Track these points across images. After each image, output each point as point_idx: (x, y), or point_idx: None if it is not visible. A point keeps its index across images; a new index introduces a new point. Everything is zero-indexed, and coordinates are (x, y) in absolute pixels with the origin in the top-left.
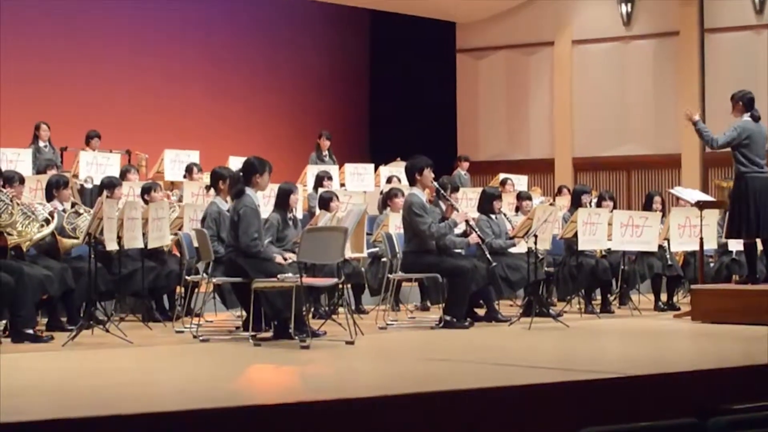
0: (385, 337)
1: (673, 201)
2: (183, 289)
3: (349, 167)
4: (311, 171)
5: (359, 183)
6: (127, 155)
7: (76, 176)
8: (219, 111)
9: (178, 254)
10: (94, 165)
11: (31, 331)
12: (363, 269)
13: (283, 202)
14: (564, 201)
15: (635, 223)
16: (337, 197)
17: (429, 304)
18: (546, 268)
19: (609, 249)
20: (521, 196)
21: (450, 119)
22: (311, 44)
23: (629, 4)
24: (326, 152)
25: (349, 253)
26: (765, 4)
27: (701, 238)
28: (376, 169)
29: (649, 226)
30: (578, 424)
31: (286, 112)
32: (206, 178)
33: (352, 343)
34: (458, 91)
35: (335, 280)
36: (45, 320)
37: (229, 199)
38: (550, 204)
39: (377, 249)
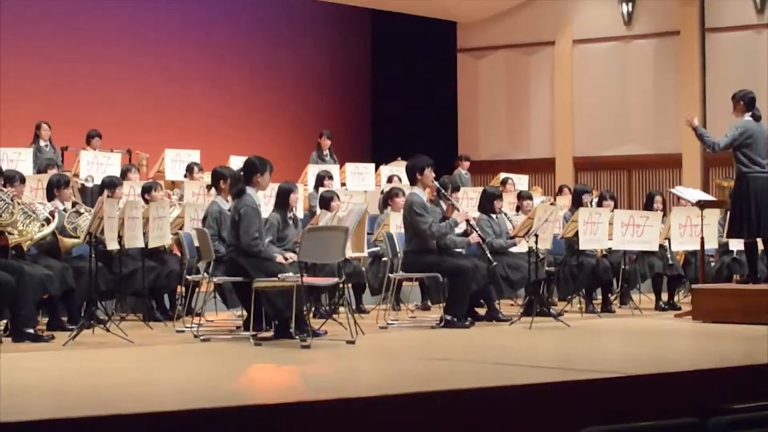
0: (385, 337)
1: (674, 200)
2: (184, 289)
3: (349, 167)
4: (312, 170)
5: (360, 182)
6: (128, 155)
7: (76, 176)
8: (220, 110)
9: (179, 254)
10: (95, 164)
11: (31, 331)
12: (364, 269)
13: (283, 201)
14: (565, 200)
15: (636, 223)
16: (338, 197)
17: (430, 303)
18: (547, 268)
19: (610, 248)
20: (522, 196)
21: (451, 119)
22: (312, 44)
23: (630, 4)
24: (327, 152)
25: (349, 253)
26: (766, 3)
27: (702, 238)
28: (376, 168)
29: (650, 226)
30: (579, 423)
31: (286, 111)
32: (207, 178)
33: (352, 342)
34: (459, 90)
35: (336, 279)
36: (46, 320)
37: (230, 198)
38: (551, 203)
39: (378, 248)
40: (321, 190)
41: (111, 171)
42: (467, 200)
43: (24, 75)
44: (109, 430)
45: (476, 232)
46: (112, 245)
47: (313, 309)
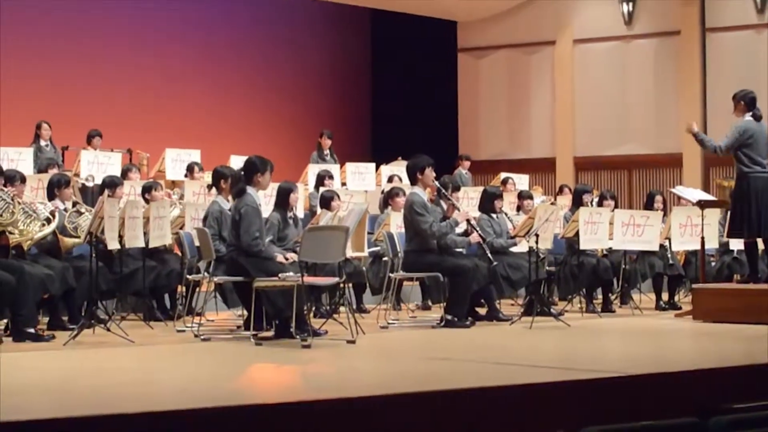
0: (386, 337)
1: (674, 200)
2: (184, 288)
3: (350, 166)
4: (312, 170)
5: (360, 182)
6: (129, 154)
7: (77, 175)
8: (220, 110)
9: (180, 253)
10: (96, 164)
11: (32, 330)
12: (364, 268)
13: (283, 201)
14: (565, 200)
15: (636, 223)
16: (339, 196)
17: (430, 303)
18: (547, 268)
19: (610, 248)
20: (522, 196)
21: (451, 118)
22: (312, 43)
23: (630, 4)
24: (327, 151)
25: (350, 253)
26: (766, 3)
27: (702, 238)
28: (377, 168)
29: (650, 226)
30: (579, 423)
31: (287, 111)
32: (207, 177)
33: (353, 342)
34: (459, 90)
35: (336, 279)
36: (46, 319)
37: (230, 198)
38: (552, 203)
39: (378, 248)
40: (321, 189)
41: (111, 171)
42: (468, 200)
43: (24, 75)
44: (110, 429)
45: (477, 231)
46: (113, 245)
47: (313, 309)
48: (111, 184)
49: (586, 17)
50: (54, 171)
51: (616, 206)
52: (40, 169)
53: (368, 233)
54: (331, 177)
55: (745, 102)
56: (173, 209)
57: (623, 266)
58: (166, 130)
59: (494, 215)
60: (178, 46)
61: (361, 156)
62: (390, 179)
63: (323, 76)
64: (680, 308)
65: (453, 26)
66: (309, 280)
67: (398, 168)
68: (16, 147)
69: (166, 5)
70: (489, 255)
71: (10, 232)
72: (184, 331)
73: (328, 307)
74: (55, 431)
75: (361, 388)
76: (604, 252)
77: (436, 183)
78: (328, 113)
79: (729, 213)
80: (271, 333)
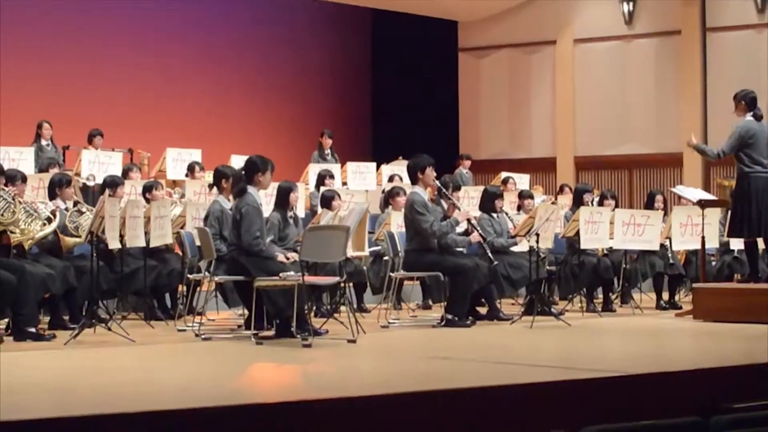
0: (386, 336)
1: (674, 200)
2: (185, 288)
3: (351, 166)
4: (313, 169)
5: (361, 182)
6: (129, 154)
7: (78, 175)
8: (221, 110)
9: (180, 253)
10: (97, 163)
11: (33, 330)
12: (365, 268)
13: (283, 200)
14: (566, 200)
15: (637, 222)
16: (339, 196)
17: (431, 302)
18: (548, 267)
19: (611, 248)
20: (523, 195)
21: (452, 118)
22: (313, 43)
23: (631, 3)
24: (328, 151)
25: (350, 252)
26: (767, 3)
27: (703, 237)
28: (378, 167)
29: (650, 225)
30: (580, 422)
31: (288, 110)
32: (208, 177)
33: (353, 341)
34: (460, 89)
35: (337, 278)
36: (47, 318)
37: (231, 197)
38: (552, 203)
39: (379, 247)
40: (322, 189)
41: (112, 170)
42: (468, 199)
43: (25, 74)
44: (111, 428)
45: (477, 231)
46: (114, 244)
47: (314, 308)
48: (112, 184)
49: (587, 17)
50: (55, 170)
51: (616, 206)
52: (41, 168)
53: (369, 233)
54: (331, 176)
55: (746, 102)
56: (174, 208)
57: (624, 266)
58: (167, 129)
59: (495, 215)
60: (178, 45)
61: (362, 155)
62: (391, 179)
63: (324, 76)
64: (681, 308)
65: (454, 26)
66: (310, 279)
67: (399, 167)
68: (17, 146)
69: (166, 5)
70: (489, 254)
71: (12, 232)
72: (184, 330)
73: (328, 307)
74: (56, 430)
75: (361, 387)
76: (605, 251)
77: (437, 182)
78: (329, 113)
79: (729, 213)
80: (271, 332)
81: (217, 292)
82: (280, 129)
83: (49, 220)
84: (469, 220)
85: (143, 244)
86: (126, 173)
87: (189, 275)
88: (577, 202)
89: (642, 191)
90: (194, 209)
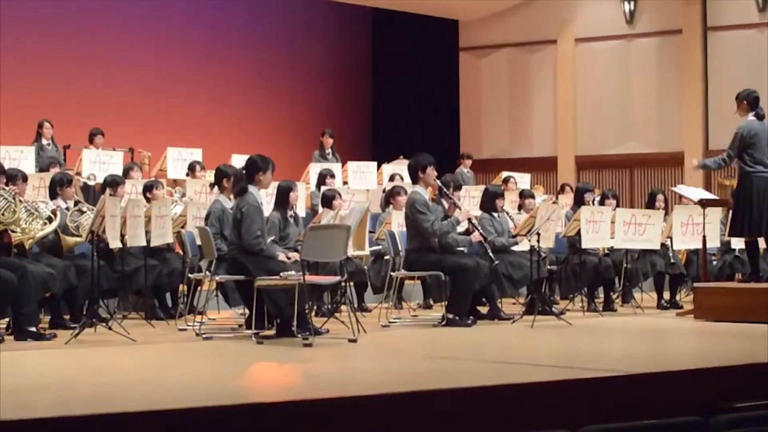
0: (387, 335)
1: (675, 199)
2: (186, 287)
3: (351, 165)
4: (314, 169)
5: (362, 181)
6: (130, 153)
7: (79, 174)
8: (222, 109)
9: (181, 252)
10: (97, 163)
11: (34, 329)
12: (366, 267)
13: (283, 200)
14: (567, 199)
15: (638, 221)
16: (340, 195)
17: (432, 302)
18: (549, 266)
19: (612, 247)
20: (524, 194)
21: (453, 117)
22: (314, 43)
23: (632, 3)
24: (329, 150)
25: (351, 251)
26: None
27: (704, 237)
28: (378, 167)
29: (651, 225)
30: (581, 422)
31: (288, 110)
32: (209, 176)
33: (354, 341)
34: (461, 89)
35: (338, 278)
36: (48, 318)
37: (232, 196)
38: (553, 202)
39: (380, 247)
40: (323, 188)
41: (113, 169)
42: (469, 199)
43: (26, 73)
44: (111, 428)
45: (478, 230)
46: (115, 244)
47: (315, 307)
48: (113, 183)
49: (588, 16)
50: (56, 170)
51: (617, 205)
52: (42, 168)
53: (370, 232)
54: (332, 176)
55: (748, 102)
56: (175, 207)
57: (625, 265)
58: (168, 129)
59: (496, 214)
60: (179, 45)
61: (363, 155)
62: (391, 178)
63: (325, 76)
64: (682, 307)
65: (454, 25)
66: (310, 278)
67: (400, 167)
68: (18, 146)
69: (167, 5)
70: (490, 254)
71: (12, 231)
72: (185, 329)
73: (329, 306)
74: (57, 430)
75: (362, 386)
76: (606, 251)
77: (438, 182)
78: (330, 112)
79: (731, 212)
80: (272, 332)
81: (218, 292)
82: (280, 128)
83: (50, 220)
84: (470, 220)
85: (144, 243)
86: (127, 172)
87: (190, 274)
88: (578, 201)
89: (643, 190)
90: (195, 208)
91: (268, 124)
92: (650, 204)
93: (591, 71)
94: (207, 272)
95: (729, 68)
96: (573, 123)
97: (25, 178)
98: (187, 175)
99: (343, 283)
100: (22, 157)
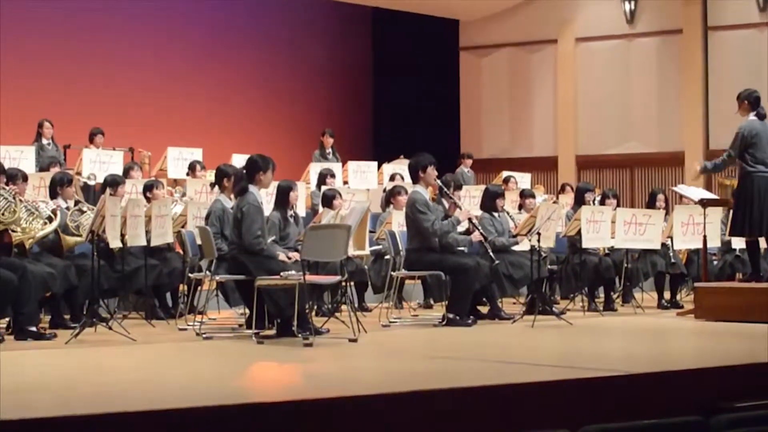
0: (388, 335)
1: (676, 199)
2: (186, 287)
3: (352, 165)
4: (314, 168)
5: (362, 180)
6: (130, 153)
7: (79, 174)
8: (222, 109)
9: (181, 252)
10: (98, 162)
11: (34, 329)
12: (366, 267)
13: (283, 199)
14: (567, 199)
15: (638, 221)
16: (340, 195)
17: (432, 301)
18: (549, 266)
19: (612, 247)
20: (524, 194)
21: (453, 117)
22: (314, 42)
23: (633, 2)
24: (329, 150)
25: (352, 251)
26: None
27: (704, 236)
28: (379, 166)
29: (652, 224)
30: (581, 421)
31: (289, 109)
32: (209, 176)
33: (355, 340)
34: (461, 88)
35: (338, 277)
36: (48, 318)
37: (233, 196)
38: (554, 202)
39: (380, 246)
40: (323, 188)
41: (113, 169)
42: (470, 198)
43: (26, 73)
44: (112, 427)
45: (478, 230)
46: (115, 243)
47: (315, 307)
48: (113, 183)
49: (589, 16)
50: (56, 169)
51: (618, 205)
52: (42, 167)
53: (370, 232)
54: (333, 175)
55: (749, 101)
56: (175, 206)
57: (625, 265)
58: (168, 128)
59: (496, 214)
60: (180, 44)
61: (363, 154)
62: (392, 178)
63: (325, 75)
64: (682, 307)
65: (455, 25)
66: (311, 278)
67: (400, 166)
68: (18, 145)
69: (167, 5)
70: (491, 253)
71: (13, 231)
72: (185, 329)
73: (329, 306)
74: (57, 430)
75: (362, 386)
76: (606, 251)
77: (438, 181)
78: (330, 112)
79: (731, 212)
80: (272, 331)
81: (218, 292)
82: (281, 128)
83: (50, 219)
84: (470, 219)
85: (144, 243)
86: (127, 172)
87: (190, 274)
88: (579, 201)
89: (643, 190)
90: (195, 208)
91: (269, 124)
92: (651, 204)
93: (591, 71)
94: (207, 272)
95: (729, 68)
96: (573, 123)
97: (25, 178)
98: (188, 174)
99: (343, 283)
100: (22, 157)
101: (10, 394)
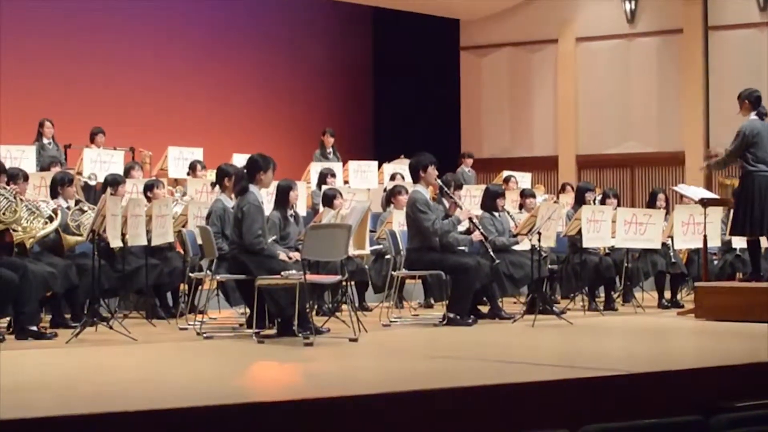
0: (388, 335)
1: (676, 198)
2: (187, 287)
3: (352, 164)
4: (315, 168)
5: (363, 180)
6: (131, 152)
7: (80, 173)
8: (222, 108)
9: (182, 251)
10: (98, 162)
11: (34, 328)
12: (366, 266)
13: (283, 199)
14: (568, 198)
15: (639, 221)
16: (341, 194)
17: (432, 301)
18: (549, 266)
19: (613, 246)
20: (525, 194)
21: (454, 116)
22: (315, 42)
23: (633, 2)
24: (330, 149)
25: (352, 251)
26: None
27: (705, 236)
28: (379, 166)
29: (652, 224)
30: (581, 421)
31: (289, 109)
32: (210, 176)
33: (355, 340)
34: (462, 88)
35: (339, 277)
36: (49, 317)
37: (233, 196)
38: (554, 201)
39: (381, 246)
40: (324, 187)
41: (114, 169)
42: (470, 198)
43: (27, 73)
44: (112, 427)
45: (479, 229)
46: (115, 243)
47: (316, 307)
48: (113, 182)
49: (589, 15)
50: (57, 169)
51: (618, 204)
52: (43, 167)
53: (370, 231)
54: (333, 175)
55: (750, 101)
56: (176, 205)
57: (626, 264)
58: (169, 128)
59: (496, 213)
60: (180, 44)
61: (364, 154)
62: (392, 177)
63: (325, 75)
64: (682, 306)
65: (455, 24)
66: (311, 278)
67: (401, 166)
68: (19, 145)
69: (167, 5)
70: (491, 253)
71: (14, 230)
72: (186, 329)
73: (330, 305)
74: (58, 429)
75: (363, 386)
76: (607, 250)
77: (439, 181)
78: (330, 112)
79: (732, 211)
80: (273, 331)
81: (219, 291)
82: (281, 128)
83: (51, 219)
84: (470, 219)
85: (145, 242)
86: (128, 172)
87: (191, 274)
88: (579, 200)
89: (644, 190)
90: (196, 208)
91: (269, 124)
92: (651, 203)
93: (592, 70)
94: (208, 271)
95: (730, 68)
96: (574, 122)
97: (26, 178)
98: (188, 174)
99: (344, 283)
100: (23, 157)
101: (11, 393)
